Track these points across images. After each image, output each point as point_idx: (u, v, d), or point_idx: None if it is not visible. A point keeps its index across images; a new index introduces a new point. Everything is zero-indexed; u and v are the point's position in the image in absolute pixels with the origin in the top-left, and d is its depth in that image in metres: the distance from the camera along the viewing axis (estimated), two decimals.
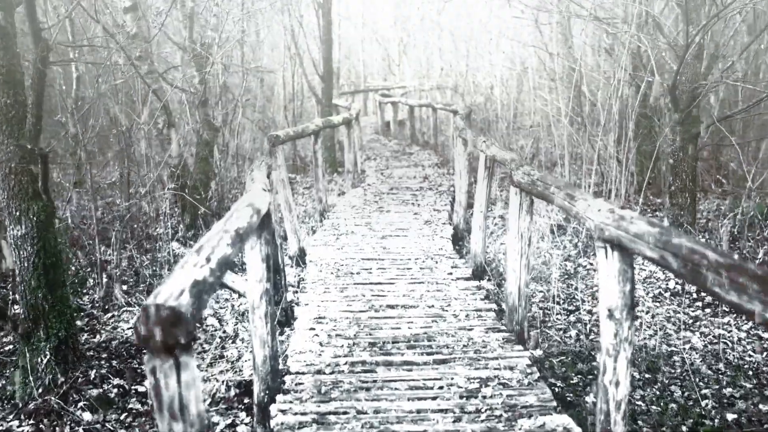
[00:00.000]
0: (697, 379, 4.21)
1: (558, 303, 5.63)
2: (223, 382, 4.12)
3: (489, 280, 5.97)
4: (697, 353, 4.64)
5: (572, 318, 5.38)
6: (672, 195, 6.04)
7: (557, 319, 5.32)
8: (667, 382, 4.23)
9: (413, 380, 3.67)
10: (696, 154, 5.82)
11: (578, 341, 4.89)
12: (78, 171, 9.22)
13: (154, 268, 6.52)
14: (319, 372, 3.79)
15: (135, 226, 7.16)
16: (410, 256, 6.34)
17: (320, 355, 4.05)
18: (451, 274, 5.76)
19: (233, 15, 9.20)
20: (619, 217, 2.70)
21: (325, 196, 8.31)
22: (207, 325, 5.21)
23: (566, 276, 6.39)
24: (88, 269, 6.15)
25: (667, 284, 6.07)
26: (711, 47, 6.00)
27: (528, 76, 13.62)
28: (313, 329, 4.49)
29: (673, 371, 4.39)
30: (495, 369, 3.82)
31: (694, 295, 5.76)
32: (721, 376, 4.31)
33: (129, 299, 5.66)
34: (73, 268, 5.64)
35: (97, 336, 4.99)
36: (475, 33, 20.49)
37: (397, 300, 5.07)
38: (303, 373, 3.79)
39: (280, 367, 4.02)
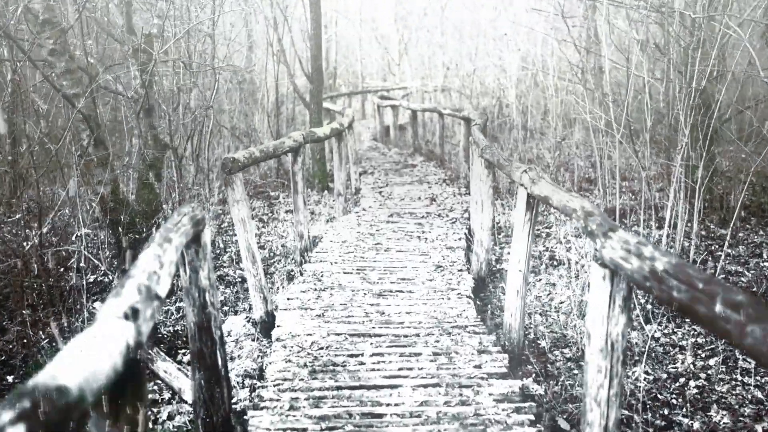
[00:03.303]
0: None
1: (637, 410, 3.82)
2: None
3: (534, 374, 4.15)
4: None
5: None
6: None
7: None
8: None
9: None
10: None
11: None
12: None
13: (64, 339, 4.71)
14: None
15: (46, 281, 5.33)
16: (418, 330, 4.52)
17: None
18: (479, 366, 3.93)
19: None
20: None
21: (307, 230, 6.49)
22: None
23: (631, 355, 4.57)
24: None
25: None
26: None
27: (549, 77, 11.83)
28: None
29: None
30: None
31: None
32: None
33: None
34: None
35: None
36: (483, 29, 18.69)
37: (401, 430, 3.25)
38: None
39: None
